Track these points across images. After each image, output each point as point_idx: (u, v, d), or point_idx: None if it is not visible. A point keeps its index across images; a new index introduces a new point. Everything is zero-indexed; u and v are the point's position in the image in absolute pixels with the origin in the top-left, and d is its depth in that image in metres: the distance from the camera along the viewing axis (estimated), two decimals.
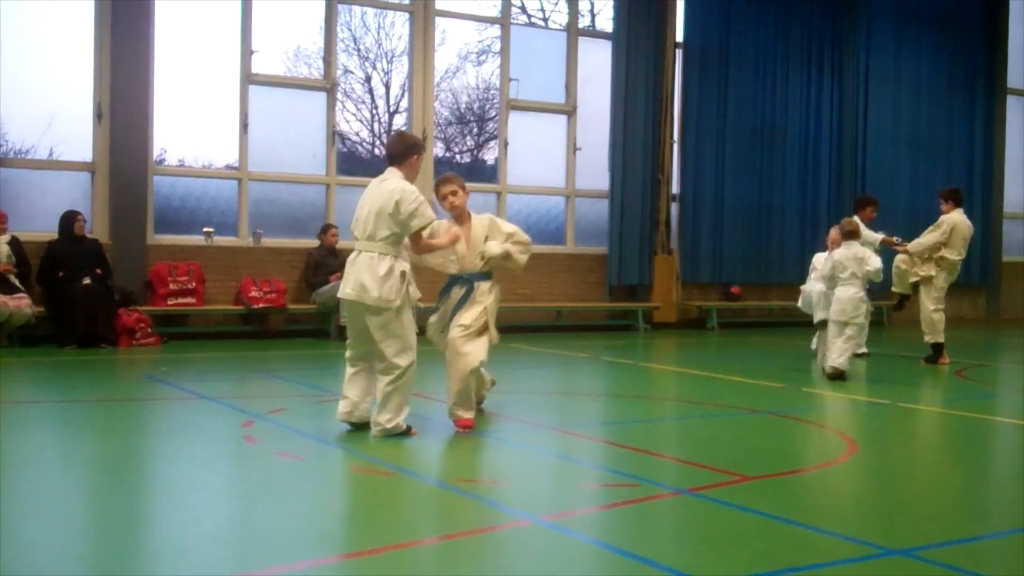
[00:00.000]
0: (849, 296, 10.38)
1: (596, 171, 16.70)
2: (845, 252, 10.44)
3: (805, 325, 17.43)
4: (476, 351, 7.29)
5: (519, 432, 7.63)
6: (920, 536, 4.97)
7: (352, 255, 6.92)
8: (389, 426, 6.91)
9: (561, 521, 5.07)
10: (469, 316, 7.35)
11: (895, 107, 19.14)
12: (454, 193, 7.54)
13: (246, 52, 14.19)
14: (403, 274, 6.81)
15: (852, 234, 10.61)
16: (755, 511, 5.22)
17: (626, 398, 9.91)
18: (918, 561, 4.47)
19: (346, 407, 7.11)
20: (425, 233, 7.00)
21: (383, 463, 6.29)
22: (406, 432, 7.00)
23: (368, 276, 6.73)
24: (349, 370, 7.12)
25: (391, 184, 6.84)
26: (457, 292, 7.50)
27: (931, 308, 12.01)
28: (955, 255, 12.17)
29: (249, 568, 4.23)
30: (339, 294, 7.06)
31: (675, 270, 16.95)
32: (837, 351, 10.23)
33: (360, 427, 7.10)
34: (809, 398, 9.58)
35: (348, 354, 7.13)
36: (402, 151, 7.02)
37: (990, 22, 20.22)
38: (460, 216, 7.61)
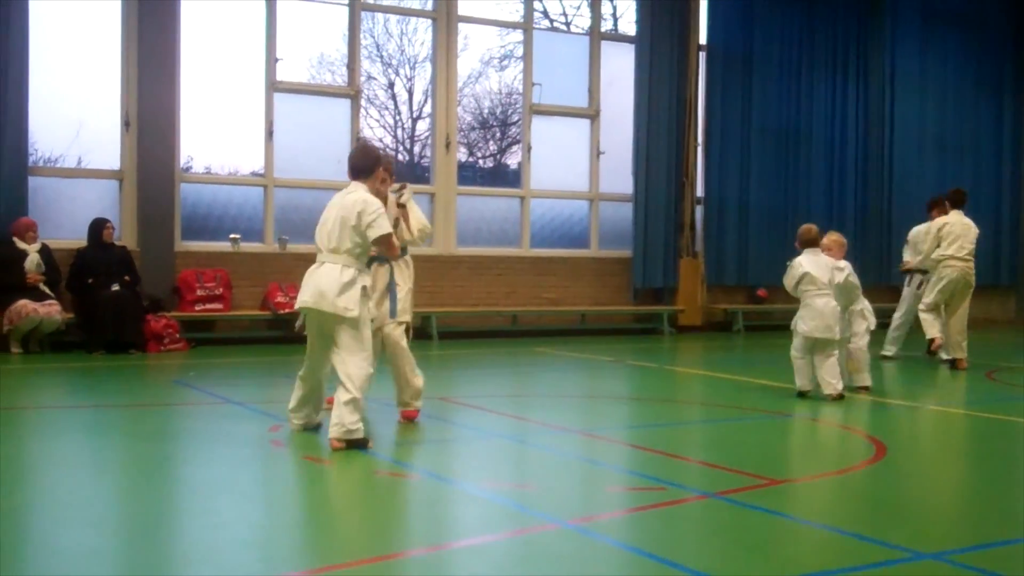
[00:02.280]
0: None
1: (620, 175, 16.67)
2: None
3: None
4: (406, 343, 7.59)
5: (545, 436, 7.64)
6: (951, 540, 4.95)
7: (313, 266, 6.87)
8: (354, 428, 6.61)
9: (588, 525, 5.08)
10: (401, 306, 7.55)
11: (921, 109, 19.03)
12: (383, 181, 7.41)
13: (271, 60, 14.26)
14: (364, 288, 6.77)
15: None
16: (783, 515, 5.20)
17: (651, 401, 9.90)
18: (949, 565, 4.45)
19: (301, 420, 7.24)
20: (393, 239, 6.98)
21: (409, 467, 6.32)
22: (363, 442, 6.67)
23: (328, 284, 6.68)
24: (300, 385, 7.15)
25: (355, 196, 6.81)
26: (382, 273, 7.52)
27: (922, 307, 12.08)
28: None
29: (276, 571, 4.25)
30: (297, 304, 6.98)
31: (700, 273, 16.91)
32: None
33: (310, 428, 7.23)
34: (836, 401, 9.53)
35: (302, 371, 7.13)
36: (369, 165, 7.01)
37: (1017, 22, 20.06)
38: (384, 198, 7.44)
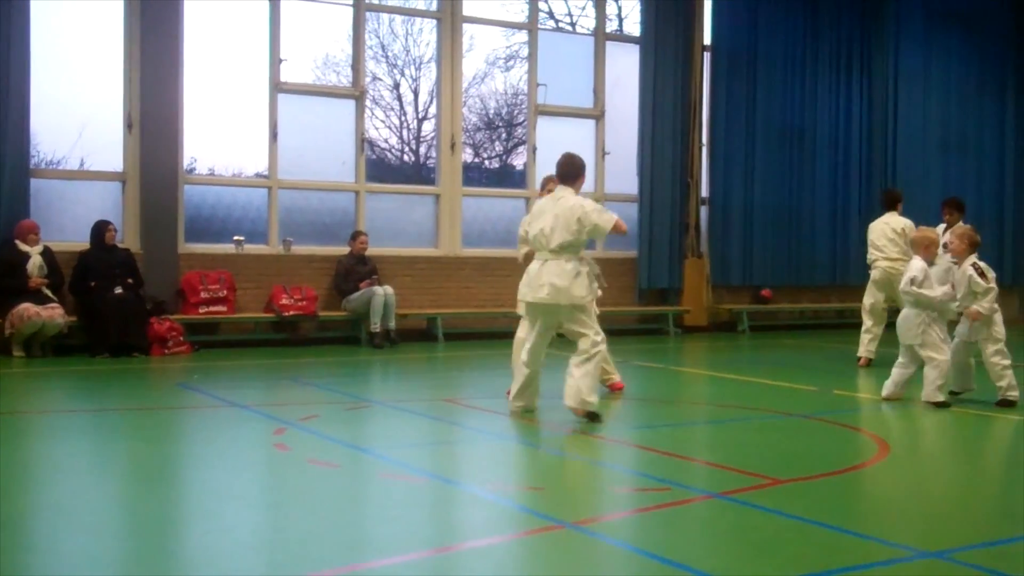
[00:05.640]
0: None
1: (625, 175, 16.64)
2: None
3: (835, 327, 17.38)
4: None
5: (550, 437, 7.63)
6: (954, 538, 4.94)
7: (535, 264, 7.99)
8: (593, 400, 7.79)
9: (593, 526, 5.07)
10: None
11: (925, 107, 19.00)
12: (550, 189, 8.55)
13: (275, 61, 14.24)
14: (588, 274, 7.83)
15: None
16: (787, 514, 5.19)
17: (657, 402, 9.89)
18: (952, 563, 4.44)
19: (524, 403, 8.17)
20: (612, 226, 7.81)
21: (415, 470, 6.31)
22: (596, 416, 7.79)
23: (559, 279, 7.74)
24: (527, 372, 8.14)
25: (570, 201, 7.78)
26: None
27: None
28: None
29: (281, 575, 4.24)
30: (531, 298, 7.97)
31: (705, 273, 16.89)
32: None
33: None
34: (841, 401, 9.53)
35: (531, 357, 8.12)
36: (576, 171, 8.01)
37: (1020, 21, 20.01)
38: None
